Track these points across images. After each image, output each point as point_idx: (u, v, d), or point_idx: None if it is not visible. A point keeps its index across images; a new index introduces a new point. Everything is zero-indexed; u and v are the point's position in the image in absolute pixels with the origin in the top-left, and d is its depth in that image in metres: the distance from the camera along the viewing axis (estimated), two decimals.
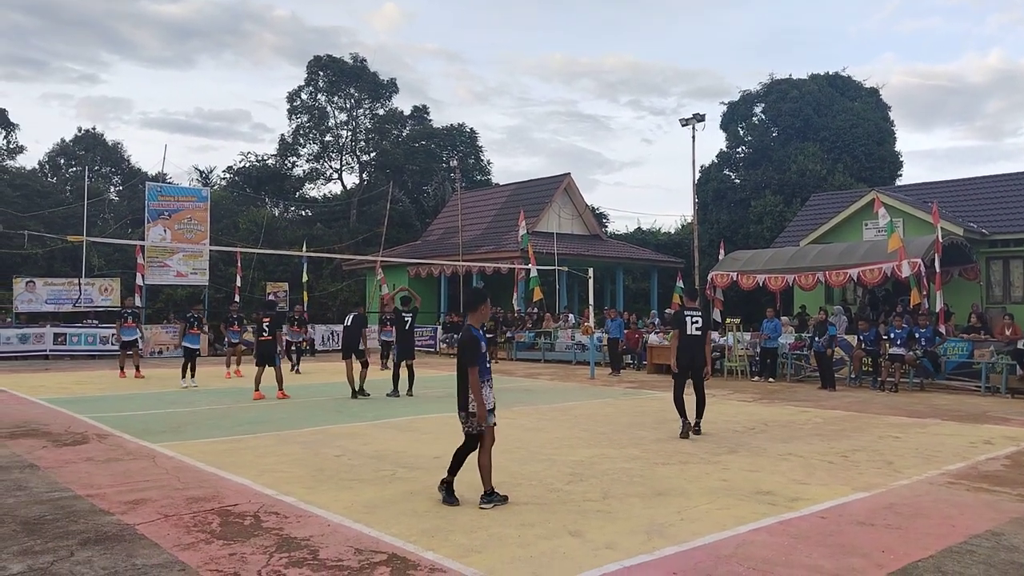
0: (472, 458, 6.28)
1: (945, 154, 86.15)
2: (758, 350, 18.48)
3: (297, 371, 19.12)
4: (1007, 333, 15.44)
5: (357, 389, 13.90)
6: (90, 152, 45.83)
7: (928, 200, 22.45)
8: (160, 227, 28.06)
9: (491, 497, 6.11)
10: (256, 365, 13.93)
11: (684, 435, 9.56)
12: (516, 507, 6.09)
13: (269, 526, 5.54)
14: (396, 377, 14.15)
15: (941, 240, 17.79)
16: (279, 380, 13.77)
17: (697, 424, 9.85)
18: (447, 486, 6.24)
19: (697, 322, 9.85)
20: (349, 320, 14.58)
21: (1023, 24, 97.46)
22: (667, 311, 24.74)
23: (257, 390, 13.49)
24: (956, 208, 24.24)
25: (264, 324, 13.92)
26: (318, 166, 49.51)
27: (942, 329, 16.80)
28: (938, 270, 17.37)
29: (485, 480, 6.16)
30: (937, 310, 17.18)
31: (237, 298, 27.13)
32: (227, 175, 48.62)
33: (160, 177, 37.16)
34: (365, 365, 14.26)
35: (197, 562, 4.73)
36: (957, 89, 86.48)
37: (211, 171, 49.16)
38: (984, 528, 5.56)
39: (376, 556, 4.87)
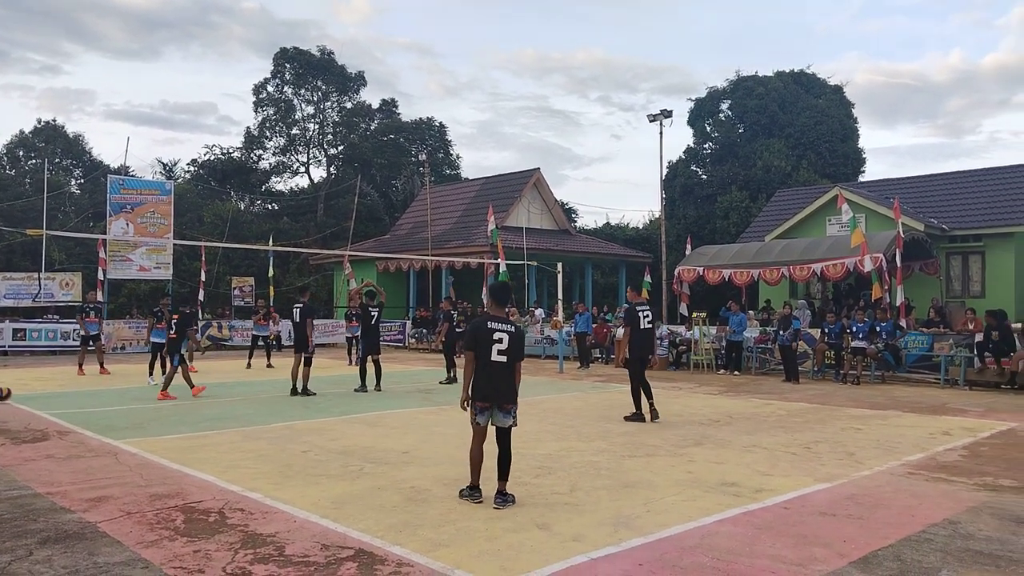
0: (463, 451, 6.31)
1: (907, 151, 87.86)
2: (724, 344, 18.69)
3: (269, 366, 19.01)
4: (969, 327, 15.79)
5: (300, 389, 13.02)
6: (50, 144, 44.84)
7: (890, 196, 22.88)
8: (122, 221, 27.55)
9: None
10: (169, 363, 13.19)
11: (642, 419, 10.29)
12: (484, 501, 6.10)
13: (234, 523, 5.48)
14: (363, 372, 14.08)
15: (902, 235, 18.13)
16: (167, 379, 12.88)
17: (652, 406, 10.51)
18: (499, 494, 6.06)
19: (648, 316, 10.60)
20: (296, 314, 13.42)
21: (983, 25, 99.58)
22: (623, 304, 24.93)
23: (164, 390, 12.71)
24: (917, 204, 24.72)
25: (173, 321, 13.26)
26: (285, 159, 48.99)
27: (903, 323, 17.14)
28: (899, 265, 17.70)
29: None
30: (898, 304, 17.51)
31: (202, 293, 26.86)
32: (191, 168, 47.94)
33: (122, 170, 36.53)
34: (307, 363, 13.16)
35: (160, 559, 4.67)
36: (920, 87, 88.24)
37: (175, 164, 48.42)
38: (942, 517, 5.69)
39: (343, 551, 4.85)
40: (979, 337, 15.03)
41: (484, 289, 27.23)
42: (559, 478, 6.93)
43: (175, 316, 13.42)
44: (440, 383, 15.37)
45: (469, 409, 6.17)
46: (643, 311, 10.62)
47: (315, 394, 13.18)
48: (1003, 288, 22.43)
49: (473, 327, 6.31)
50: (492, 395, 6.11)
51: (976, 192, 24.85)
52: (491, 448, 6.13)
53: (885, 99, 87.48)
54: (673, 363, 19.62)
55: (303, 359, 13.18)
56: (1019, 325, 15.10)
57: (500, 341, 6.12)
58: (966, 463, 7.73)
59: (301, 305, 13.46)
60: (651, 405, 10.53)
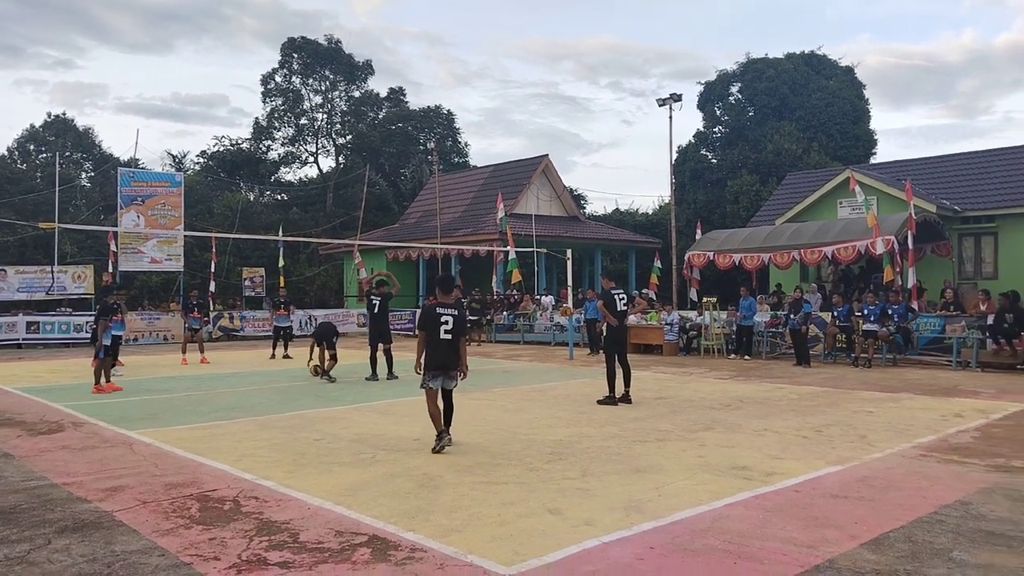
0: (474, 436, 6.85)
1: (919, 132, 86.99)
2: (734, 328, 18.65)
3: (287, 356, 19.00)
4: (982, 308, 15.69)
5: (322, 373, 13.79)
6: (60, 138, 45.05)
7: (902, 178, 22.68)
8: (133, 213, 27.73)
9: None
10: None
11: (614, 403, 10.57)
12: (496, 486, 6.14)
13: (249, 510, 5.54)
14: (373, 361, 14.10)
15: (914, 217, 18.01)
16: (96, 373, 12.52)
17: (626, 393, 10.73)
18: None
19: (623, 299, 11.01)
20: (376, 306, 14.05)
21: (995, 4, 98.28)
22: (644, 291, 24.89)
23: (98, 383, 12.44)
24: (929, 185, 24.52)
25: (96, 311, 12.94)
26: (293, 149, 49.09)
27: (915, 305, 17.05)
28: (911, 247, 17.59)
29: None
30: (910, 286, 17.42)
31: (212, 284, 27.01)
32: (201, 160, 48.07)
33: (132, 162, 36.65)
34: (386, 352, 13.97)
35: (177, 547, 4.73)
36: (932, 68, 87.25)
37: (184, 156, 48.58)
38: (953, 498, 5.68)
39: (357, 538, 4.89)
40: (991, 319, 14.94)
41: (493, 277, 27.28)
42: (570, 463, 6.96)
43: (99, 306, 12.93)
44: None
45: (422, 375, 7.71)
46: (618, 294, 10.96)
47: (335, 380, 13.62)
48: (1017, 269, 22.23)
49: (425, 312, 7.81)
50: (442, 365, 7.63)
51: (989, 173, 24.61)
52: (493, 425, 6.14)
53: (897, 80, 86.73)
54: (684, 348, 19.61)
55: (383, 349, 13.98)
56: None
57: (447, 323, 7.60)
58: (978, 444, 7.71)
59: (380, 297, 14.07)
60: (626, 391, 10.76)
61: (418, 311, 29.62)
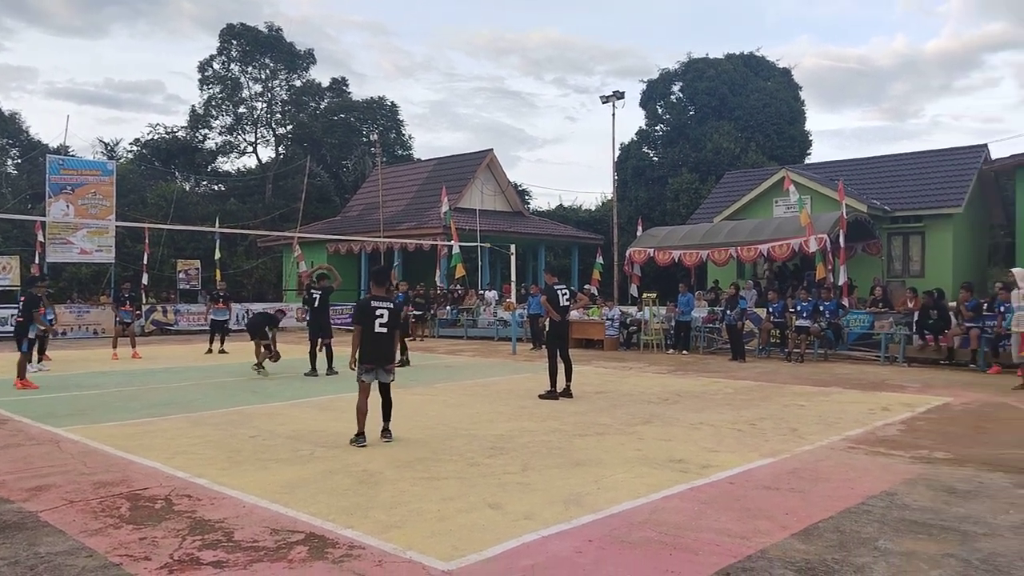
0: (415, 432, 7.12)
1: (852, 134, 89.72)
2: (673, 324, 18.97)
3: (223, 351, 18.62)
4: (909, 305, 16.28)
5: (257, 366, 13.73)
6: None
7: (835, 178, 23.37)
8: (62, 202, 26.72)
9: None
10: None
11: (555, 397, 10.60)
12: (437, 482, 6.12)
13: (181, 509, 5.41)
14: (313, 356, 13.90)
15: (846, 216, 18.58)
16: (19, 367, 12.09)
17: (568, 388, 10.80)
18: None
19: (566, 294, 11.07)
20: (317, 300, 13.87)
21: (925, 12, 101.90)
22: (586, 286, 25.13)
23: (22, 377, 11.99)
24: (861, 186, 25.32)
25: (21, 303, 12.54)
26: (231, 139, 48.02)
27: (845, 302, 17.60)
28: (843, 245, 18.15)
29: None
30: (841, 284, 17.97)
31: (145, 276, 26.25)
32: (134, 148, 46.62)
33: (62, 150, 35.34)
34: (267, 348, 13.76)
35: (105, 547, 4.59)
36: (865, 72, 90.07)
37: (117, 143, 47.06)
38: (880, 489, 5.89)
39: (293, 536, 4.83)
40: (918, 316, 15.52)
41: (437, 271, 27.19)
42: (511, 458, 6.98)
43: (23, 298, 12.52)
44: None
45: (356, 369, 7.62)
46: (560, 290, 11.04)
47: (266, 373, 13.47)
48: (942, 268, 23.18)
49: (360, 305, 7.79)
50: (377, 359, 7.59)
51: (918, 174, 25.56)
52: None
53: (831, 83, 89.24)
54: (624, 343, 19.86)
55: (324, 344, 13.73)
56: (954, 303, 15.60)
57: (382, 316, 7.56)
58: (903, 437, 8.00)
59: (321, 291, 13.78)
60: (567, 386, 10.84)
61: None
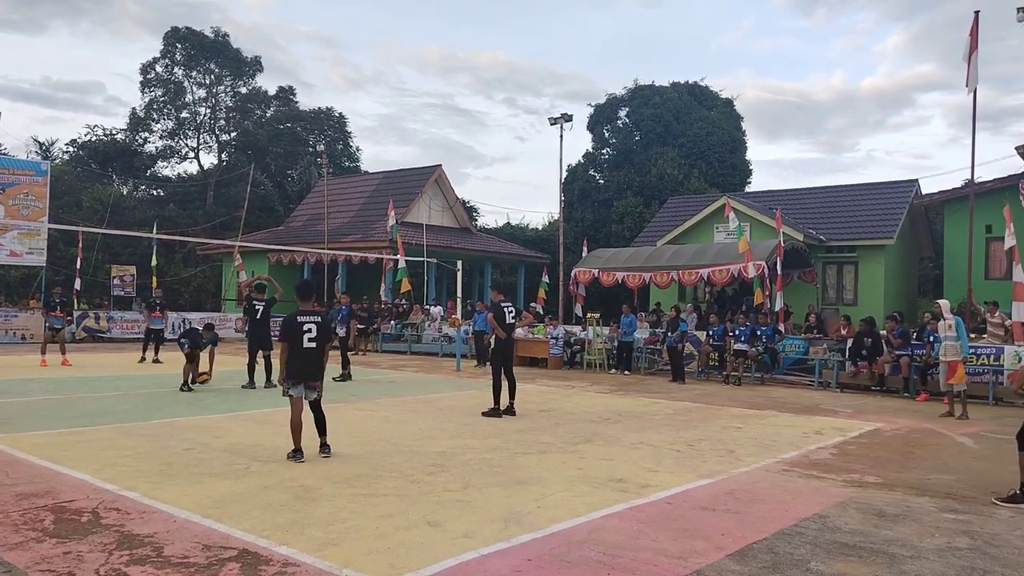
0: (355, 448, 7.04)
1: (790, 164, 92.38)
2: (616, 344, 19.16)
3: (157, 360, 18.09)
4: (842, 332, 16.76)
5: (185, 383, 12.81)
6: None
7: (773, 207, 24.02)
8: None
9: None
10: None
11: (498, 415, 10.63)
12: (376, 499, 6.04)
13: (109, 523, 5.22)
14: (251, 368, 13.62)
15: (783, 244, 19.09)
16: None
17: (511, 405, 10.87)
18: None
19: (512, 312, 11.17)
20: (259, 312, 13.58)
21: (862, 51, 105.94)
22: (532, 304, 25.22)
23: None
24: (798, 215, 26.07)
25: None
26: (172, 143, 46.90)
27: (781, 327, 18.04)
28: (779, 272, 18.63)
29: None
30: (777, 309, 18.43)
31: (78, 282, 25.40)
32: (71, 149, 45.18)
33: None
34: (209, 356, 13.54)
35: (26, 562, 4.40)
36: (804, 105, 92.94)
37: (53, 144, 45.51)
38: (812, 512, 6.03)
39: (225, 552, 4.70)
40: (851, 342, 15.99)
41: (382, 285, 26.97)
42: (452, 475, 6.94)
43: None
44: (334, 379, 15.08)
45: (283, 385, 7.54)
46: (507, 307, 11.15)
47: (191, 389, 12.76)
48: (874, 297, 23.96)
49: (287, 321, 7.52)
50: (302, 374, 7.47)
51: (852, 206, 26.43)
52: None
53: (771, 114, 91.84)
54: (568, 362, 19.97)
55: (263, 355, 13.60)
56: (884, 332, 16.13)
57: (310, 331, 7.44)
58: (836, 461, 8.22)
59: (264, 303, 13.66)
60: (511, 403, 10.89)
61: None
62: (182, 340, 13.21)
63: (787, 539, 5.28)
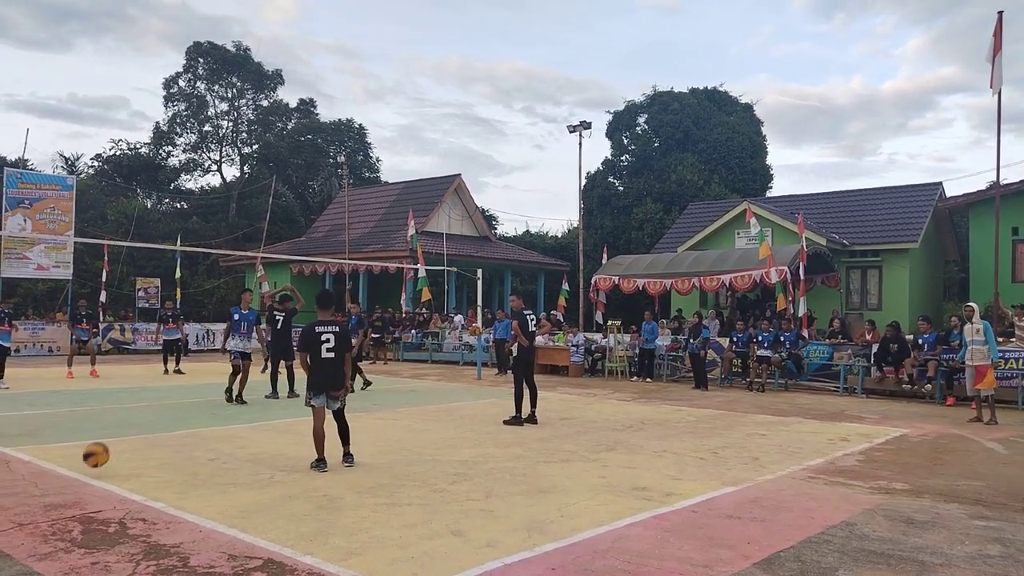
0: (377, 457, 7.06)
1: (811, 169, 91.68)
2: (637, 351, 19.08)
3: (179, 371, 18.35)
4: (867, 338, 16.58)
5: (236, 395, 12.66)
6: None
7: (795, 211, 23.85)
8: (20, 216, 26.12)
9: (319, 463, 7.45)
10: None
11: (520, 423, 10.61)
12: (399, 508, 6.05)
13: (136, 533, 5.27)
14: (274, 378, 13.71)
15: (806, 249, 18.93)
16: None
17: (533, 413, 10.84)
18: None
19: (535, 320, 11.24)
20: (280, 322, 13.51)
21: (882, 54, 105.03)
22: (552, 312, 25.20)
23: None
24: (820, 220, 25.85)
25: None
26: (195, 157, 47.46)
27: (805, 333, 17.87)
28: (802, 278, 18.47)
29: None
30: (801, 315, 18.26)
31: (103, 294, 25.74)
32: (96, 163, 45.83)
33: (21, 163, 34.70)
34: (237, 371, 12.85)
35: (55, 572, 4.44)
36: (824, 109, 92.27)
37: (78, 159, 46.19)
38: (840, 519, 5.95)
39: (251, 562, 4.72)
40: (876, 348, 15.81)
41: (402, 294, 27.07)
42: (475, 484, 6.93)
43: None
44: (360, 389, 15.13)
45: (305, 395, 7.61)
46: (529, 315, 11.16)
47: (246, 403, 12.53)
48: (899, 301, 23.68)
49: (305, 332, 7.55)
50: (322, 384, 7.49)
51: (875, 210, 26.18)
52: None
53: (792, 119, 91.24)
54: (589, 370, 19.91)
55: (286, 366, 13.60)
56: (911, 336, 15.92)
57: (328, 341, 7.45)
58: (862, 467, 8.12)
59: (285, 312, 13.62)
60: (532, 412, 10.86)
61: None
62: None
63: (814, 547, 5.21)
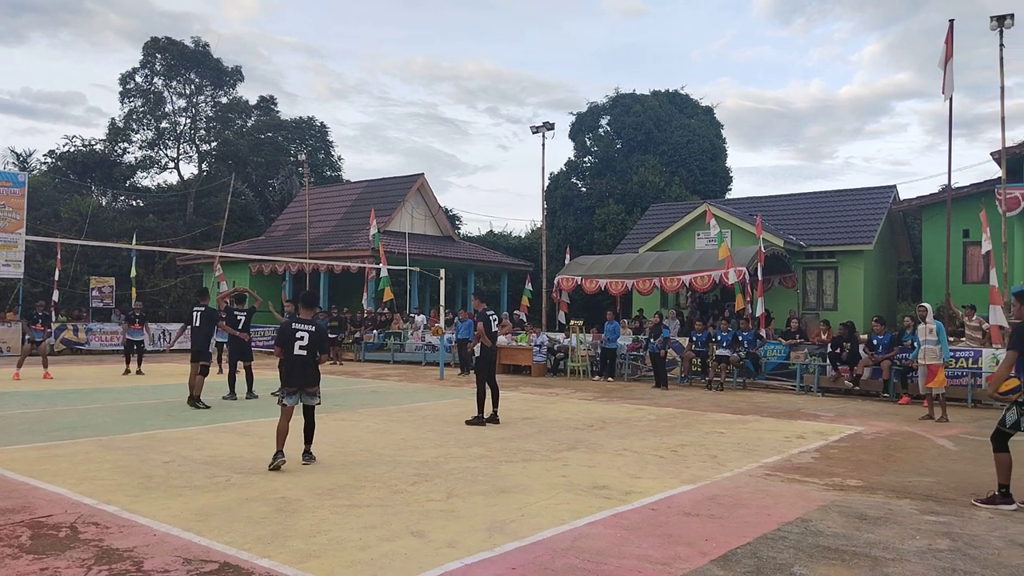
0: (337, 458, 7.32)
1: (770, 171, 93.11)
2: (599, 351, 19.19)
3: (140, 372, 18.02)
4: (823, 337, 16.89)
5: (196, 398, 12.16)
6: None
7: (753, 213, 24.18)
8: None
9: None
10: None
11: (482, 423, 10.66)
12: (358, 509, 6.00)
13: (87, 537, 5.15)
14: (232, 379, 13.52)
15: (764, 251, 19.22)
16: None
17: (495, 413, 10.91)
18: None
19: (496, 320, 11.29)
20: (196, 318, 12.36)
21: (839, 60, 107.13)
22: (515, 312, 25.23)
23: None
24: (778, 221, 26.26)
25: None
26: (152, 154, 46.47)
27: (763, 333, 18.15)
28: (760, 278, 18.75)
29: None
30: (758, 315, 18.54)
31: (56, 293, 25.12)
32: (49, 160, 44.68)
33: None
34: (203, 372, 12.21)
35: None
36: (783, 113, 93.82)
37: (31, 155, 44.96)
38: (795, 516, 6.06)
39: (207, 566, 4.65)
40: (831, 347, 16.10)
41: (364, 294, 26.86)
42: (436, 485, 6.91)
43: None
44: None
45: (279, 393, 7.72)
46: (492, 316, 11.22)
47: (209, 407, 12.01)
48: (854, 301, 24.15)
49: (281, 328, 7.76)
50: (297, 381, 7.61)
51: (831, 212, 26.67)
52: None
53: (752, 122, 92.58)
54: (551, 369, 19.97)
55: (244, 366, 13.40)
56: (865, 336, 16.26)
57: (301, 338, 7.57)
58: (817, 464, 8.26)
59: (203, 308, 12.51)
60: (494, 411, 10.93)
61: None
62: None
63: (770, 543, 5.29)
